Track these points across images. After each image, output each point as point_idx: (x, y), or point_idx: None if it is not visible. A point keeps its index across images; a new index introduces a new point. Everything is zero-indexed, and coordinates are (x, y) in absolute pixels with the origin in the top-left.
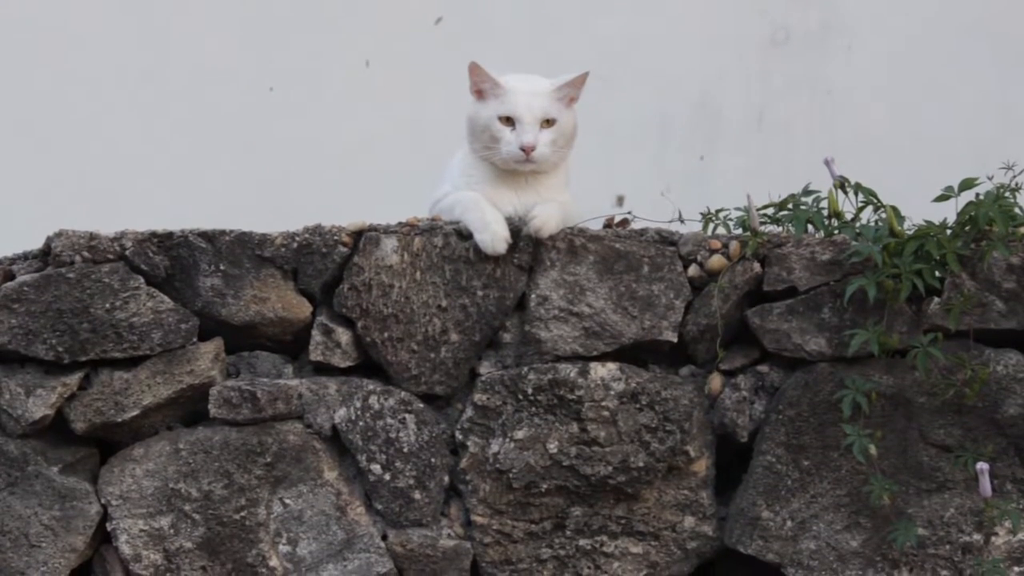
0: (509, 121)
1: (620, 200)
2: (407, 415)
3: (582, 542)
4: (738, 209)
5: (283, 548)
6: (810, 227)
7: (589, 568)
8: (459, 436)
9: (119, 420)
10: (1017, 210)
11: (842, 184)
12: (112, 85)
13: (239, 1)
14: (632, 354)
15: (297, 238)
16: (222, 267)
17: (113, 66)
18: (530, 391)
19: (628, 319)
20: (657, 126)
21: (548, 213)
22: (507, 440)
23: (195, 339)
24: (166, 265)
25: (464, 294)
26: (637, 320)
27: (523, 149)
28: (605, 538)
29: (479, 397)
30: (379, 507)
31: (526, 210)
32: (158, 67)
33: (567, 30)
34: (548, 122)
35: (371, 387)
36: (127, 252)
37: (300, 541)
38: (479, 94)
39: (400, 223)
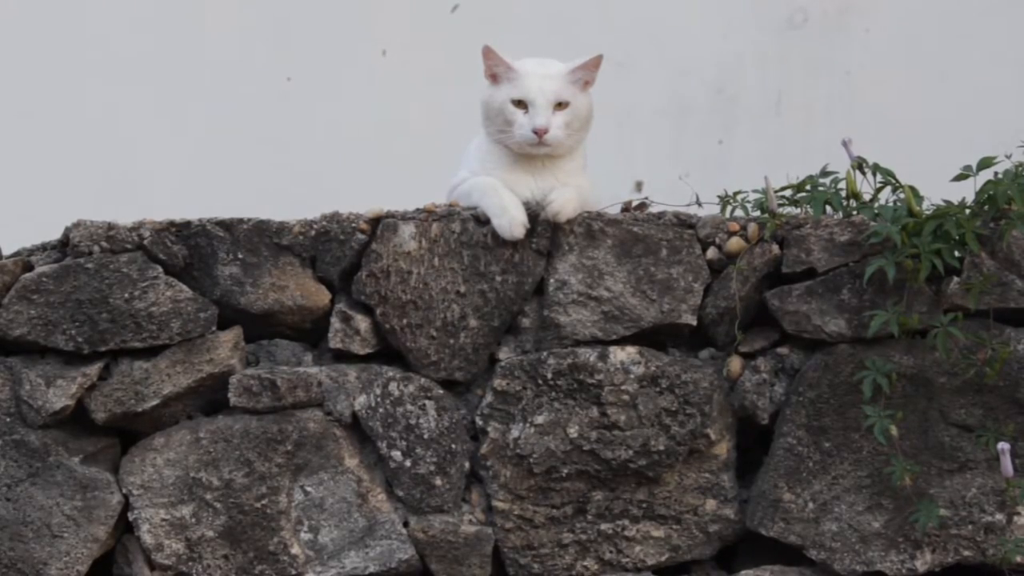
0: (522, 104)
1: (639, 185)
2: (427, 401)
3: (603, 526)
4: (756, 191)
5: (304, 535)
6: (828, 208)
7: (611, 552)
8: (479, 422)
9: (139, 410)
10: None
11: (860, 165)
12: (129, 75)
13: None
14: (651, 338)
15: (315, 226)
16: (240, 256)
17: (130, 56)
18: (550, 376)
19: (647, 303)
20: (675, 110)
21: (566, 197)
22: (527, 425)
23: (214, 328)
24: (184, 254)
25: (482, 279)
26: (656, 303)
27: (535, 132)
28: (627, 522)
29: (499, 382)
30: (400, 494)
31: (543, 195)
32: (176, 57)
33: (584, 16)
34: (561, 105)
35: (391, 374)
36: (145, 242)
37: (321, 528)
38: (493, 78)
39: (418, 209)
